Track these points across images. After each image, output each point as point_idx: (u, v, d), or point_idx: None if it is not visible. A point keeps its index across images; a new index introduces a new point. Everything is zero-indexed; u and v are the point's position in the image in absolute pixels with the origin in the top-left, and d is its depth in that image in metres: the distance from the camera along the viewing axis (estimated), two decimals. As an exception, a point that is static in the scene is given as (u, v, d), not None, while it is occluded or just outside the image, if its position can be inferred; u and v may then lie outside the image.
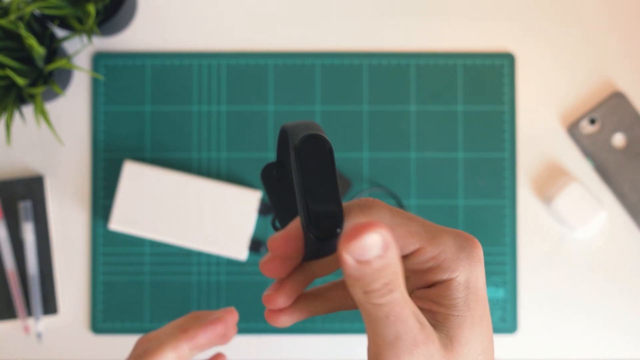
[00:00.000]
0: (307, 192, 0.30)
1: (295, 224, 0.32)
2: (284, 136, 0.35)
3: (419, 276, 0.32)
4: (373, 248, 0.29)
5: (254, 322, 0.71)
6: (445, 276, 0.31)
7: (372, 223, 0.29)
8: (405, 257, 0.32)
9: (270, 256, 0.32)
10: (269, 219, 0.71)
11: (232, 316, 0.48)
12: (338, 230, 0.30)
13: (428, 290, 0.32)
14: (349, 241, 0.29)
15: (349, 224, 0.31)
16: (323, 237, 0.30)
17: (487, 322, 0.32)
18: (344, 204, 0.32)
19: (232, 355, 0.72)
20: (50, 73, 0.65)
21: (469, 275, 0.31)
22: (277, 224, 0.37)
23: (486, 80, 0.72)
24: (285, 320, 0.34)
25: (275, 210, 0.37)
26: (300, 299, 0.34)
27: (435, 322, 0.32)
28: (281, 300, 0.33)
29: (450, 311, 0.31)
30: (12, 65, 0.63)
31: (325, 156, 0.31)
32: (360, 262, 0.30)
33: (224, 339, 0.47)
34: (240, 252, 0.70)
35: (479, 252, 0.32)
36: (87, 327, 0.72)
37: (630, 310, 0.72)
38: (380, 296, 0.30)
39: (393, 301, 0.30)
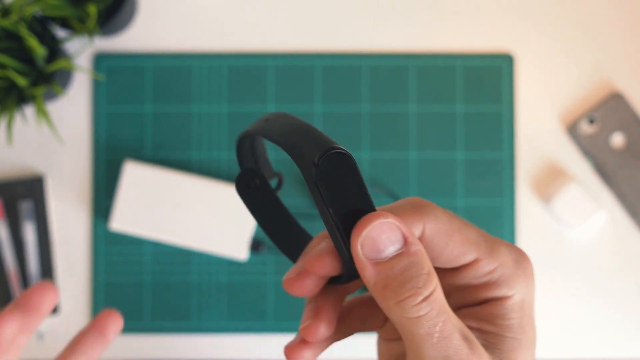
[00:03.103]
0: (337, 214, 0.26)
1: (327, 241, 0.28)
2: (249, 144, 0.32)
3: (467, 292, 0.29)
4: (390, 243, 0.25)
5: (254, 321, 0.72)
6: (501, 293, 0.28)
7: (381, 213, 0.25)
8: (454, 270, 0.28)
9: (301, 273, 0.28)
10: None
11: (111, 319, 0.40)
12: None
13: (478, 308, 0.28)
14: (356, 238, 0.25)
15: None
16: None
17: (535, 349, 0.29)
18: (392, 204, 0.28)
19: (232, 355, 0.72)
20: (51, 73, 0.66)
21: (524, 293, 0.28)
22: (257, 240, 0.33)
23: (485, 81, 0.73)
24: (310, 355, 0.29)
25: (263, 226, 0.33)
26: None
27: (487, 343, 0.28)
28: (323, 329, 0.28)
29: (506, 332, 0.28)
30: (13, 65, 0.64)
31: (351, 173, 0.26)
32: (377, 263, 0.25)
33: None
34: (240, 252, 0.70)
35: (532, 268, 0.29)
36: (88, 326, 0.72)
37: (629, 309, 0.72)
38: (416, 307, 0.25)
39: (433, 313, 0.25)
